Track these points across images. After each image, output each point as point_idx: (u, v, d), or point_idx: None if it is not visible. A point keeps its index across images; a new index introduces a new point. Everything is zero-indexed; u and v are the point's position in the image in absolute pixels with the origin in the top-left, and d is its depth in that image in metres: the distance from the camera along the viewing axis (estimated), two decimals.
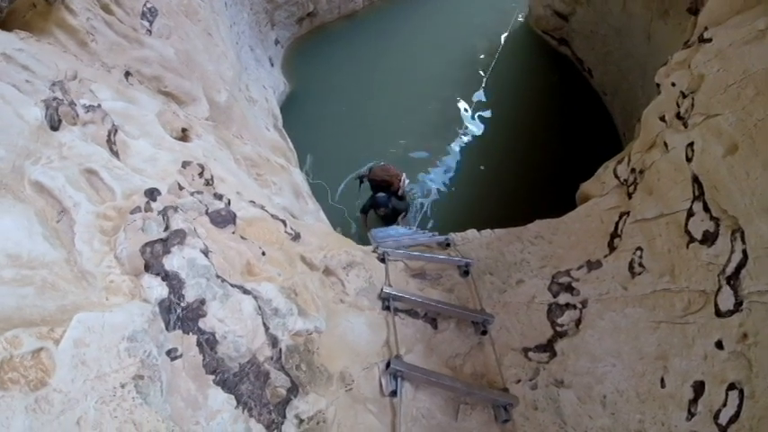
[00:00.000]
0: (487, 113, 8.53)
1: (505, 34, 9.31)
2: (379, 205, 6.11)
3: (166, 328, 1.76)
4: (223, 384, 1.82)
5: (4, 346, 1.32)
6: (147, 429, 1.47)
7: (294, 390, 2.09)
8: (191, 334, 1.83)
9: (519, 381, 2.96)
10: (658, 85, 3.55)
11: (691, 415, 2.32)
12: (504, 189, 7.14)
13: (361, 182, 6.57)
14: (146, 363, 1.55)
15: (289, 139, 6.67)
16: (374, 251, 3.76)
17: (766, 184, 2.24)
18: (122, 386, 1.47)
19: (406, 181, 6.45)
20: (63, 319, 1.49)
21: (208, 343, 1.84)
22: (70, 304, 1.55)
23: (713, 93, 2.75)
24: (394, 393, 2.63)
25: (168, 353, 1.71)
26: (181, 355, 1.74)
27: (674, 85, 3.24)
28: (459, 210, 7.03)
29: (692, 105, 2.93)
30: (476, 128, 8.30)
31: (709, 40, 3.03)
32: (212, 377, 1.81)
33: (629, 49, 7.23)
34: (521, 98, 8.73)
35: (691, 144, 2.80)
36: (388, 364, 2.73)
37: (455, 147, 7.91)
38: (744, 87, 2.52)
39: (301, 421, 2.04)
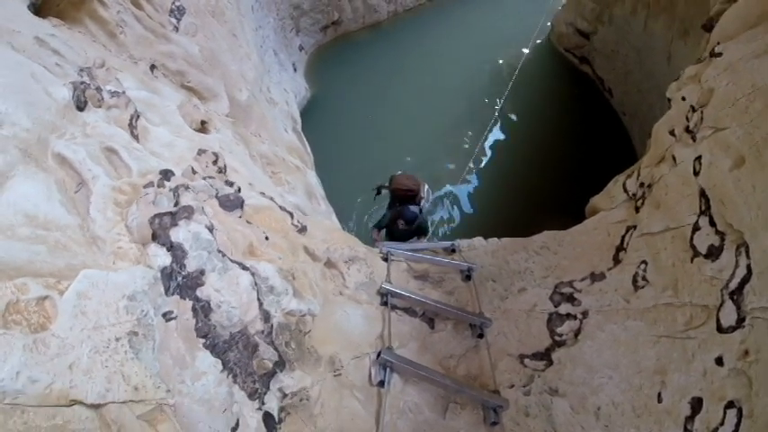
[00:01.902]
0: (506, 127, 8.57)
1: (527, 50, 9.34)
2: (405, 218, 5.11)
3: (165, 293, 1.85)
4: (212, 349, 1.90)
5: (12, 290, 1.41)
6: (135, 382, 1.54)
7: (281, 364, 2.16)
8: (187, 300, 1.93)
9: (512, 386, 2.96)
10: (669, 99, 3.56)
11: None
12: (518, 203, 7.15)
13: (379, 192, 5.81)
14: (142, 321, 1.65)
15: (306, 143, 6.77)
16: (379, 252, 3.80)
17: None
18: (117, 339, 1.56)
19: (430, 192, 5.74)
20: (70, 275, 1.59)
21: (202, 310, 1.93)
22: (79, 264, 1.65)
23: (722, 106, 2.75)
24: (382, 383, 2.67)
25: (164, 315, 1.79)
26: (175, 317, 1.83)
27: (684, 99, 3.25)
28: (471, 219, 7.06)
29: (701, 119, 2.93)
30: (494, 141, 8.34)
31: (720, 55, 3.05)
32: (202, 341, 1.89)
33: (649, 70, 7.23)
34: (540, 114, 8.75)
35: (699, 158, 2.79)
36: (378, 355, 2.77)
37: (472, 159, 7.90)
38: (752, 101, 2.52)
39: (285, 396, 2.11)
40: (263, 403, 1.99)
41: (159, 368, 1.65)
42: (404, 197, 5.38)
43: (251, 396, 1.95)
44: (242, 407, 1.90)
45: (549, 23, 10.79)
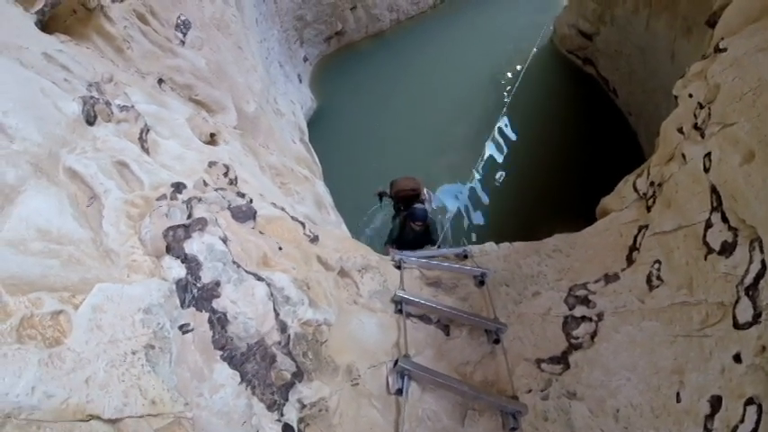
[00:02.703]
0: (512, 131, 8.63)
1: (531, 53, 9.38)
2: (416, 218, 4.83)
3: (181, 306, 1.86)
4: (230, 361, 1.91)
5: (26, 305, 1.43)
6: (152, 396, 1.54)
7: (299, 375, 2.16)
8: (203, 312, 1.94)
9: (530, 391, 2.95)
10: (676, 97, 3.57)
11: (707, 431, 2.28)
12: (528, 207, 7.17)
13: (381, 198, 5.74)
14: (158, 334, 1.65)
15: (314, 153, 6.82)
16: (391, 260, 3.80)
17: None
18: (133, 353, 1.56)
19: (431, 194, 5.70)
20: (84, 289, 1.59)
21: (219, 321, 1.95)
22: (93, 277, 1.66)
23: (729, 102, 2.76)
24: (400, 392, 2.66)
25: (180, 327, 1.81)
26: (192, 330, 1.84)
27: (691, 96, 3.26)
28: (480, 225, 7.08)
29: (709, 115, 2.94)
30: (501, 145, 8.40)
31: (725, 50, 3.05)
32: (220, 353, 1.90)
33: (653, 69, 7.25)
34: (546, 117, 8.80)
35: (708, 154, 2.80)
36: (395, 363, 2.77)
37: (479, 163, 7.94)
38: (759, 95, 2.52)
39: (303, 406, 2.11)
40: (282, 414, 2.00)
41: (177, 381, 1.65)
42: (408, 198, 5.30)
43: (270, 408, 1.95)
44: (261, 419, 1.90)
45: (551, 26, 10.83)
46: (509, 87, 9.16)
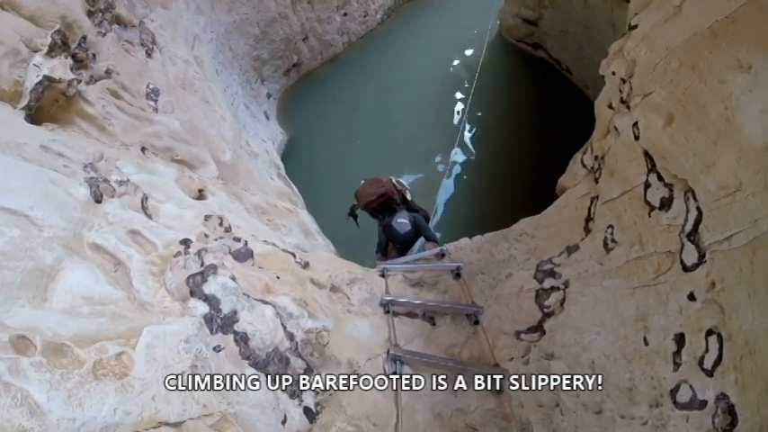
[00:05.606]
0: (478, 127, 8.83)
1: (483, 49, 9.58)
2: (399, 237, 4.59)
3: (211, 333, 2.37)
4: (256, 366, 2.43)
5: (94, 353, 1.85)
6: (203, 401, 2.02)
7: (310, 370, 2.68)
8: (229, 334, 2.46)
9: (512, 359, 3.26)
10: (603, 76, 3.82)
11: (677, 365, 2.44)
12: (503, 197, 7.34)
13: (354, 216, 5.14)
14: (198, 357, 2.13)
15: (293, 185, 7.05)
16: (378, 271, 4.17)
17: (703, 143, 2.39)
18: (183, 373, 2.01)
19: (404, 183, 5.06)
20: (134, 335, 2.03)
21: (242, 339, 2.48)
22: (137, 326, 2.09)
23: (645, 73, 2.99)
24: (395, 375, 3.07)
25: (214, 348, 2.31)
26: (223, 349, 2.35)
27: (614, 73, 3.51)
28: (460, 222, 7.26)
29: (631, 88, 3.18)
30: (469, 143, 8.59)
31: (636, 27, 3.31)
32: (247, 361, 2.42)
33: (598, 41, 7.41)
34: (508, 107, 9.00)
35: (635, 123, 3.03)
36: (388, 352, 3.19)
37: (450, 166, 8.10)
38: (668, 62, 2.74)
39: (317, 393, 2.61)
40: (302, 401, 2.52)
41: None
42: (379, 206, 4.77)
43: (291, 396, 2.47)
44: (286, 405, 2.41)
45: (497, 20, 11.08)
46: (468, 86, 9.28)
